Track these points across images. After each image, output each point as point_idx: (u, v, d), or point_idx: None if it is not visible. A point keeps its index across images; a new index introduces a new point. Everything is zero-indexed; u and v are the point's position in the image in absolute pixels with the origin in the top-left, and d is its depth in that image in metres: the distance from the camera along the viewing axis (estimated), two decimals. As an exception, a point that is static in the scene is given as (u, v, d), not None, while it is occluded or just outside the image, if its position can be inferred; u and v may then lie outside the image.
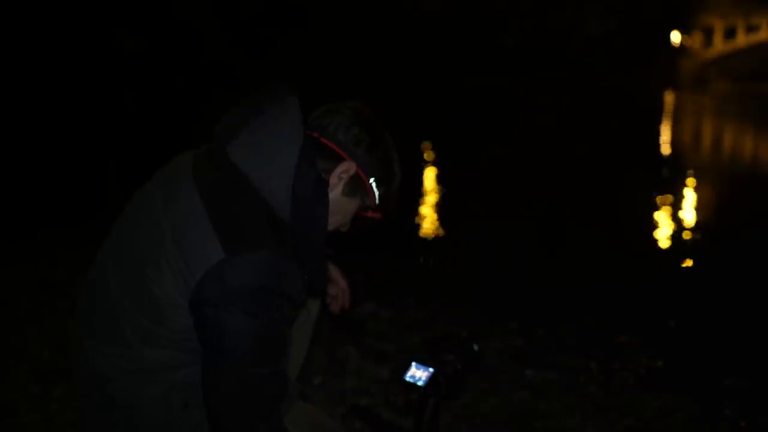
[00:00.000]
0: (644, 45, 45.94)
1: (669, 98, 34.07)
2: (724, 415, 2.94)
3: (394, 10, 40.66)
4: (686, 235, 6.71)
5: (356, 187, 1.47)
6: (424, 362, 1.65)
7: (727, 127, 21.44)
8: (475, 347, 1.70)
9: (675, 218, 7.47)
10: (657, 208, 7.91)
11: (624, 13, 47.58)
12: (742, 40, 50.40)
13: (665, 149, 15.06)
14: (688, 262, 5.78)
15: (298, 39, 35.81)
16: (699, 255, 6.02)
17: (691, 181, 9.91)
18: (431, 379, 1.63)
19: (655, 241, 6.54)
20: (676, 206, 8.09)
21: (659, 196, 8.39)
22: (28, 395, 2.72)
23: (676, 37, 51.88)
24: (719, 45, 51.38)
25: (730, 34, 51.03)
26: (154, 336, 1.36)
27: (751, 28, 50.20)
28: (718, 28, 51.21)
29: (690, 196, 8.85)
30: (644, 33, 46.54)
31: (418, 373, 1.65)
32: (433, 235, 6.66)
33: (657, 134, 17.83)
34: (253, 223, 1.33)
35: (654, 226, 7.12)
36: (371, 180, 1.46)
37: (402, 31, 39.60)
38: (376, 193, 1.48)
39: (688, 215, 7.66)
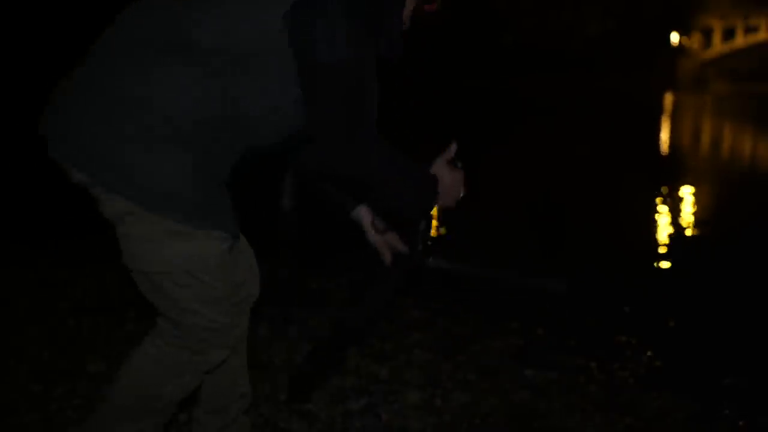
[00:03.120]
0: (643, 46, 46.00)
1: (668, 99, 34.10)
2: (723, 415, 2.94)
3: (394, 10, 40.59)
4: (686, 235, 6.71)
5: None
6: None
7: (726, 128, 21.44)
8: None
9: (674, 218, 7.47)
10: (656, 208, 7.91)
11: (623, 13, 47.63)
12: (741, 40, 50.48)
13: (664, 149, 15.07)
14: (688, 262, 5.78)
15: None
16: (699, 255, 6.02)
17: (690, 181, 9.91)
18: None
19: (655, 241, 6.54)
20: (675, 206, 8.09)
21: (659, 196, 8.39)
22: (28, 395, 2.71)
23: (675, 37, 51.94)
24: (718, 45, 51.45)
25: (729, 34, 51.11)
26: (176, 54, 1.45)
27: (749, 29, 50.29)
28: (717, 28, 51.27)
29: (689, 196, 8.85)
30: (643, 33, 46.60)
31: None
32: (433, 235, 6.65)
33: (656, 135, 17.85)
34: None
35: (654, 226, 7.12)
36: None
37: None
38: None
39: (688, 215, 7.67)
